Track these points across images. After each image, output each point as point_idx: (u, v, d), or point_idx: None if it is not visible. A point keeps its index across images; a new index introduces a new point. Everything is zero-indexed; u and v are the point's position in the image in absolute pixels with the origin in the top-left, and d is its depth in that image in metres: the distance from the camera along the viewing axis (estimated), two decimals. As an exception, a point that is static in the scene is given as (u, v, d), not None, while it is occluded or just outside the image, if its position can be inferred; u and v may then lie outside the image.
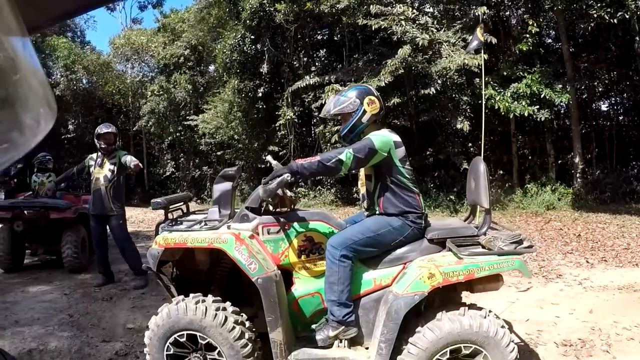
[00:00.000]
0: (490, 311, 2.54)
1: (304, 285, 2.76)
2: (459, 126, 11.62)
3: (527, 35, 11.71)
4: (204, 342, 2.57)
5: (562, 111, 14.37)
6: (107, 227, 5.44)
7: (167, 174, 19.73)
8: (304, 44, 15.56)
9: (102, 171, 5.37)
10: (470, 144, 13.75)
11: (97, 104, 21.19)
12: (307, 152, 14.53)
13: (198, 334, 2.55)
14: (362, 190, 2.89)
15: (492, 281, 2.63)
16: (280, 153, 14.23)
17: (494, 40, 11.06)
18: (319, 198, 13.90)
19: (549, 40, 15.11)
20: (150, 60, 21.17)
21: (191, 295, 2.64)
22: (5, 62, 0.47)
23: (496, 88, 11.58)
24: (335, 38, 15.79)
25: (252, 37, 14.55)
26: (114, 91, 21.16)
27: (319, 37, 16.35)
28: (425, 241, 2.68)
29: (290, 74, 14.72)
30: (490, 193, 2.74)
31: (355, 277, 2.61)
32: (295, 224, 2.73)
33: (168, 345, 2.59)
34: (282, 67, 14.85)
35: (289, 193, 2.90)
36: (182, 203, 3.33)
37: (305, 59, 15.53)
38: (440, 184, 12.98)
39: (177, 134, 18.54)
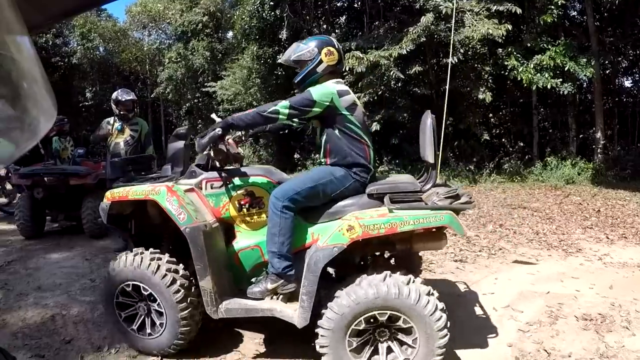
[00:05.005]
0: (416, 277, 2.44)
1: (244, 239, 2.80)
2: (480, 96, 11.52)
3: (552, 7, 11.41)
4: (146, 293, 2.72)
5: (584, 85, 14.12)
6: None
7: (185, 140, 19.73)
8: (323, 11, 15.40)
9: (122, 136, 5.42)
10: (491, 115, 13.60)
11: (114, 71, 21.30)
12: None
13: (140, 284, 2.70)
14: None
15: (433, 240, 2.59)
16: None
17: (519, 11, 10.87)
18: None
19: (574, 13, 14.77)
20: (168, 28, 21.11)
21: (134, 249, 2.81)
22: (6, 61, 0.47)
23: (519, 59, 11.40)
24: (356, 5, 15.60)
25: (271, 3, 14.38)
26: (131, 58, 21.22)
27: (339, 4, 16.16)
28: (365, 196, 2.61)
29: (310, 41, 14.56)
30: (436, 148, 2.62)
31: (296, 231, 2.59)
32: (237, 179, 2.77)
33: (117, 294, 2.79)
34: (301, 34, 14.65)
35: (233, 150, 2.93)
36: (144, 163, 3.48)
37: (325, 25, 15.35)
38: (460, 154, 12.90)
39: (195, 101, 18.58)
